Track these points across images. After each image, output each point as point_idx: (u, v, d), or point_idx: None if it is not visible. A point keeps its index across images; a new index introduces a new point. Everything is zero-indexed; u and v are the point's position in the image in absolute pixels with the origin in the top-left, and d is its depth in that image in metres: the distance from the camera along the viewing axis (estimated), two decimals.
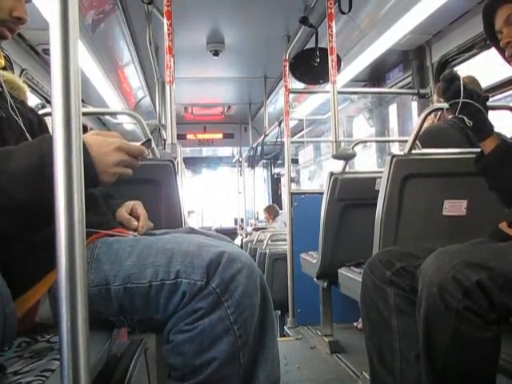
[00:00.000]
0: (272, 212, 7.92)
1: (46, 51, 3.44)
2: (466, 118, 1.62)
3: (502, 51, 1.63)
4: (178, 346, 1.09)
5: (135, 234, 1.37)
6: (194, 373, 1.09)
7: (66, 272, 0.69)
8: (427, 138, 2.43)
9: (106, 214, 1.39)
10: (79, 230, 0.71)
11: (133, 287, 1.11)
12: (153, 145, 1.31)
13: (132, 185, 1.73)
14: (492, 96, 3.06)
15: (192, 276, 1.10)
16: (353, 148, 3.00)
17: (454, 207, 2.01)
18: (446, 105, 1.70)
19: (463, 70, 3.40)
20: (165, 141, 3.30)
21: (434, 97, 2.94)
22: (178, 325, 1.10)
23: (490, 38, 1.68)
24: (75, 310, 0.69)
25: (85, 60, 3.74)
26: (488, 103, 1.65)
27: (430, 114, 2.05)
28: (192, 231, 1.47)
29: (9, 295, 0.91)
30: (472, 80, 2.40)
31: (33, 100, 3.47)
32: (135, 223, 1.43)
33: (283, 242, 4.52)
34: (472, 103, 1.58)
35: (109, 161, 1.06)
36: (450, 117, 2.51)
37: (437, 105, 2.44)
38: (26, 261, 1.09)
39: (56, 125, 0.69)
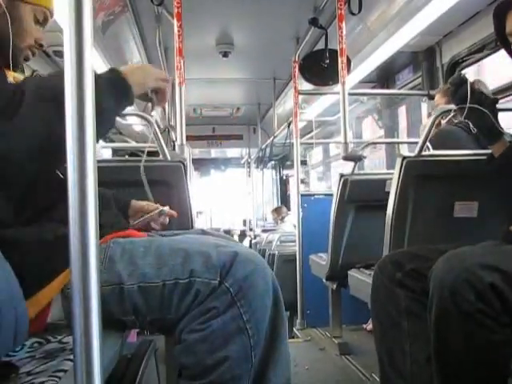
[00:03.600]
0: (281, 213, 7.91)
1: (57, 53, 3.46)
2: (471, 124, 1.63)
3: None
4: (191, 345, 1.10)
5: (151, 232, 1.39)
6: (205, 372, 1.09)
7: (79, 273, 0.69)
8: (438, 140, 2.41)
9: (117, 215, 1.40)
10: (93, 230, 0.71)
11: (146, 286, 1.12)
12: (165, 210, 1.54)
13: (142, 186, 1.74)
14: (505, 97, 3.04)
15: (206, 275, 1.10)
16: (362, 149, 2.99)
17: (465, 209, 2.00)
18: (454, 106, 1.70)
19: (475, 71, 3.39)
20: (174, 142, 3.30)
21: (437, 96, 2.90)
22: (191, 324, 1.11)
23: (500, 41, 1.67)
24: (89, 311, 0.69)
25: (95, 61, 3.75)
26: (498, 105, 1.64)
27: (440, 115, 2.04)
28: (203, 233, 1.48)
29: (21, 295, 0.91)
30: (479, 80, 2.37)
31: None
32: (154, 206, 1.48)
33: (292, 244, 4.52)
34: (479, 108, 1.58)
35: (139, 74, 1.26)
36: (456, 121, 2.51)
37: (446, 106, 2.43)
38: (38, 261, 1.10)
39: (70, 127, 0.70)
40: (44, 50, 3.41)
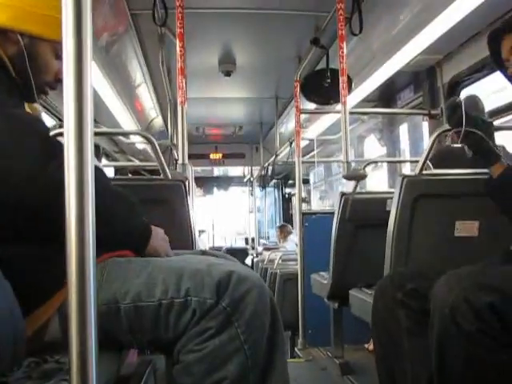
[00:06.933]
0: (284, 231, 7.88)
1: None
2: (466, 148, 1.63)
3: (509, 77, 1.63)
4: (188, 366, 1.09)
5: None
6: None
7: (76, 291, 0.69)
8: (439, 159, 2.41)
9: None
10: (90, 248, 0.71)
11: (142, 305, 1.11)
12: None
13: (143, 205, 1.74)
14: (508, 115, 3.04)
15: (202, 294, 1.10)
16: (364, 168, 3.00)
17: (466, 228, 1.99)
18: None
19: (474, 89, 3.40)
20: (176, 161, 3.31)
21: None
22: (188, 345, 1.10)
23: (497, 65, 1.68)
24: (85, 331, 0.69)
25: (98, 80, 3.79)
26: (496, 124, 1.65)
27: (440, 134, 2.05)
28: (203, 253, 1.48)
29: (20, 313, 0.91)
30: (473, 99, 2.37)
31: (47, 121, 3.50)
32: None
33: (294, 262, 4.50)
34: (475, 132, 1.58)
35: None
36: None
37: (444, 126, 2.44)
38: (36, 278, 1.10)
39: (69, 145, 0.70)
40: None
